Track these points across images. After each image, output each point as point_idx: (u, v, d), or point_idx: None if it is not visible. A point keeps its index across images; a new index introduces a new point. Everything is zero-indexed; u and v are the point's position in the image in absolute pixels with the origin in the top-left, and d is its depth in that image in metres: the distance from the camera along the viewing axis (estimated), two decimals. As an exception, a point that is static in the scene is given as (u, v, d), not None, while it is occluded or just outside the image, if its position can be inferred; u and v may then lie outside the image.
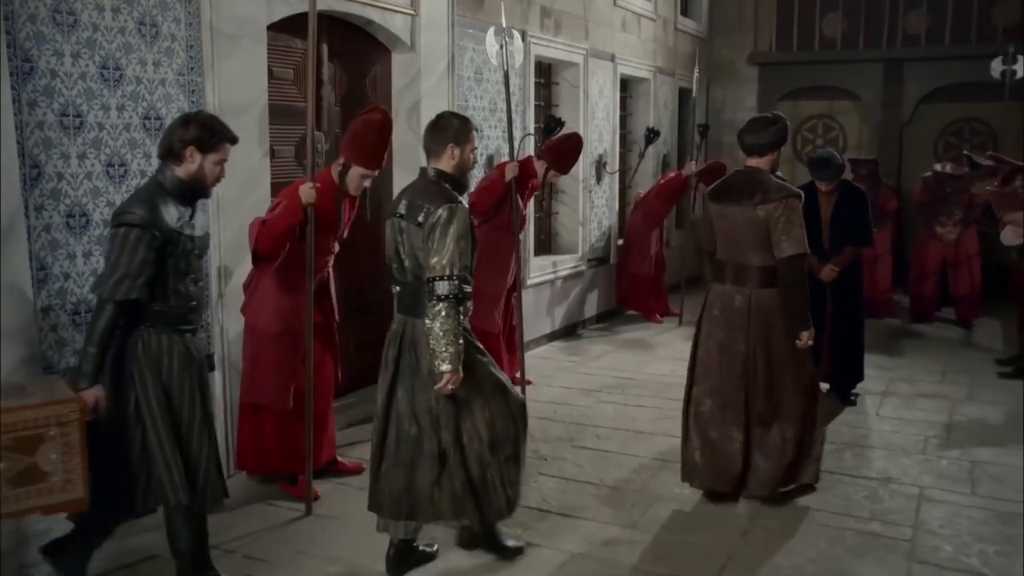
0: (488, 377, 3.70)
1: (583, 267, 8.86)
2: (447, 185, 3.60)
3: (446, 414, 3.60)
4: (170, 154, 3.33)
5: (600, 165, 9.09)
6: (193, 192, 3.39)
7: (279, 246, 4.20)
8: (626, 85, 10.00)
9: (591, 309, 9.14)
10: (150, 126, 4.25)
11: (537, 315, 8.02)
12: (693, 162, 9.36)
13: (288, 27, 5.10)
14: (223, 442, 4.33)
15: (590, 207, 8.97)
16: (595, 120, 8.89)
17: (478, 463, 3.65)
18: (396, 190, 6.32)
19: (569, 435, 5.58)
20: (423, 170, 3.72)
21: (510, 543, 3.95)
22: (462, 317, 3.53)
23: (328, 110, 5.70)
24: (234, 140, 3.46)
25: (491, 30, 6.09)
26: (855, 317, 6.25)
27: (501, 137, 7.12)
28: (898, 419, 5.94)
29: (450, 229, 3.43)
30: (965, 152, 9.00)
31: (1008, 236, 6.24)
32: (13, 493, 2.88)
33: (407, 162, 6.30)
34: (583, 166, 8.39)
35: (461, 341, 3.48)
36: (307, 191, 4.13)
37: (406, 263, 3.61)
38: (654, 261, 9.36)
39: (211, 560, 3.59)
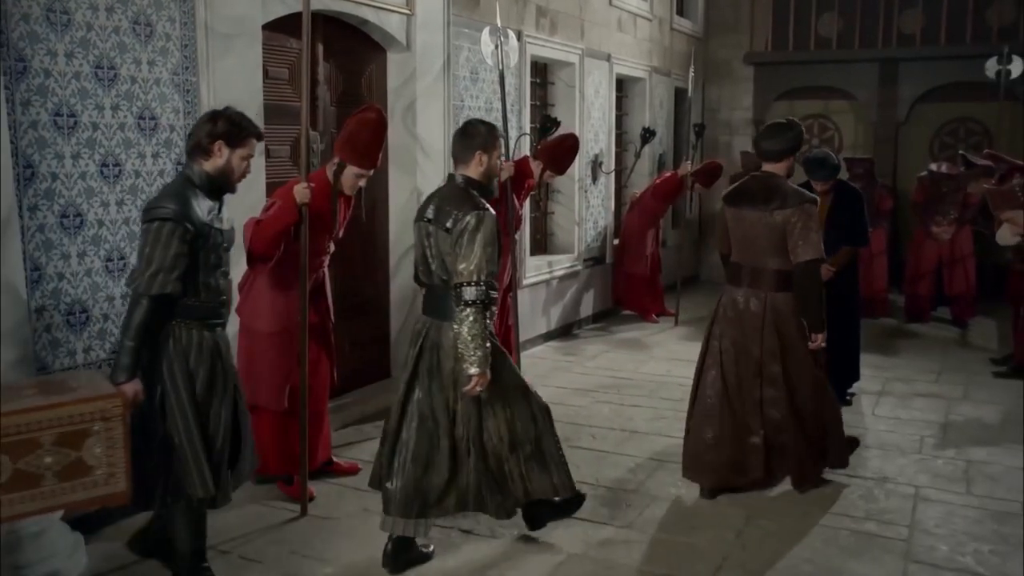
0: (511, 379, 3.81)
1: (579, 267, 8.86)
2: (474, 192, 3.69)
3: (466, 414, 3.70)
4: (198, 149, 3.38)
5: (596, 165, 9.09)
6: (220, 187, 3.45)
7: (274, 246, 4.19)
8: (622, 85, 10.00)
9: (587, 309, 9.14)
10: (144, 126, 4.24)
11: (533, 315, 8.02)
12: (689, 162, 9.37)
13: (283, 27, 5.09)
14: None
15: (586, 207, 8.97)
16: (591, 120, 8.88)
17: (495, 458, 3.77)
18: (392, 190, 6.35)
19: (565, 435, 5.52)
20: (451, 176, 3.82)
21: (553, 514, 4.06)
22: (488, 321, 3.61)
23: (323, 110, 5.70)
24: (260, 136, 3.54)
25: (486, 30, 6.08)
26: (851, 317, 6.24)
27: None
28: (894, 419, 5.95)
29: (477, 236, 3.52)
30: (961, 152, 9.02)
31: (1004, 235, 6.24)
32: (59, 487, 2.94)
33: (402, 162, 6.30)
34: (579, 166, 8.39)
35: (488, 344, 3.58)
36: (302, 191, 4.12)
37: (433, 266, 3.69)
38: (650, 261, 9.36)
39: (207, 560, 3.59)
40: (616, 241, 9.61)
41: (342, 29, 5.82)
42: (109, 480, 3.02)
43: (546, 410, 3.92)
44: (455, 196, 3.67)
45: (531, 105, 7.93)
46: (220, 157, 3.39)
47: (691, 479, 4.65)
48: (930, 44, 10.97)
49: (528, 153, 6.99)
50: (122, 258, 4.18)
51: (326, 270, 4.65)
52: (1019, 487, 4.71)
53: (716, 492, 4.58)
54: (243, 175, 3.53)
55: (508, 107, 6.44)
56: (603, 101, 9.16)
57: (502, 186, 5.92)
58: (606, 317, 9.46)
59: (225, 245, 3.48)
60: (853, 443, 5.11)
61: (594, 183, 9.09)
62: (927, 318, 9.19)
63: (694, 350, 7.86)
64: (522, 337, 6.79)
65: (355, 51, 6.00)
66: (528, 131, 7.64)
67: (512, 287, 6.16)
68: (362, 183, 4.50)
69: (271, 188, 4.81)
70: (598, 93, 9.03)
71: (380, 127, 4.41)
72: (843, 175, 6.60)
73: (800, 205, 4.35)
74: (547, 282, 8.28)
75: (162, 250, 3.18)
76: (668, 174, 9.63)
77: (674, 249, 10.43)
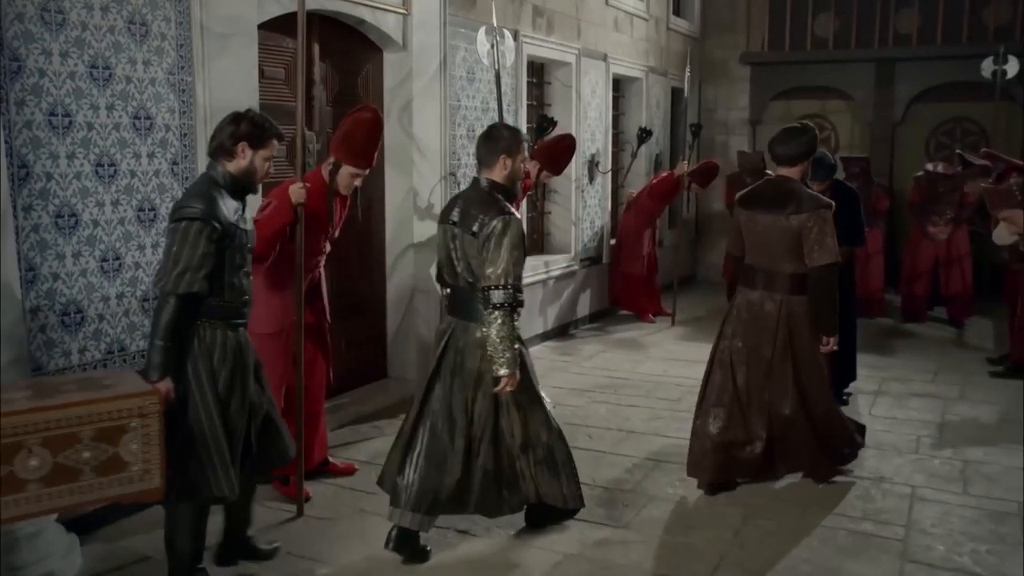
0: (531, 385, 3.91)
1: (576, 267, 8.85)
2: (499, 195, 3.76)
3: (484, 413, 3.79)
4: (221, 150, 3.43)
5: (593, 165, 9.09)
6: (244, 187, 3.49)
7: (270, 246, 4.18)
8: (618, 85, 10.00)
9: (583, 309, 9.14)
10: (140, 126, 4.22)
11: (529, 315, 8.01)
12: (685, 162, 9.36)
13: (279, 26, 5.08)
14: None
15: (583, 207, 8.97)
16: (587, 120, 8.88)
17: (508, 455, 3.87)
18: (388, 189, 6.34)
19: (562, 435, 5.56)
20: (475, 180, 3.89)
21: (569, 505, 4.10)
22: (516, 323, 3.70)
23: (319, 110, 5.69)
24: (281, 137, 3.59)
25: (482, 29, 6.07)
26: (847, 317, 6.23)
27: (493, 137, 7.09)
28: (890, 418, 5.95)
29: (504, 240, 3.60)
30: (958, 151, 9.03)
31: (1000, 235, 6.23)
32: (96, 482, 2.99)
33: (399, 162, 6.29)
34: (576, 166, 8.38)
35: (516, 346, 3.67)
36: (297, 191, 4.11)
37: (458, 268, 3.77)
38: (647, 261, 9.36)
39: (203, 562, 3.57)
40: (613, 241, 9.61)
41: (338, 29, 5.81)
42: (144, 476, 3.08)
43: (559, 432, 4.02)
44: (481, 200, 3.74)
45: (527, 105, 7.92)
46: (243, 158, 3.43)
47: (694, 476, 4.68)
48: (926, 44, 10.98)
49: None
50: (117, 258, 4.17)
51: (322, 270, 4.64)
52: (1016, 487, 4.72)
53: (717, 488, 4.62)
54: (265, 175, 3.59)
55: (504, 107, 6.44)
56: (600, 101, 9.15)
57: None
58: (603, 317, 9.45)
59: (249, 245, 3.52)
60: (861, 428, 5.17)
61: (591, 183, 9.09)
62: (923, 318, 9.19)
63: (691, 350, 7.96)
64: (519, 337, 6.78)
65: (351, 51, 5.99)
66: (525, 131, 7.64)
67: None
68: (358, 183, 4.49)
69: (267, 188, 4.78)
70: (595, 93, 9.02)
71: (376, 127, 4.41)
72: (840, 175, 6.60)
73: (816, 210, 4.44)
74: (544, 282, 8.27)
75: (190, 249, 3.22)
76: (664, 174, 9.63)
77: (671, 249, 10.43)
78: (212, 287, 3.31)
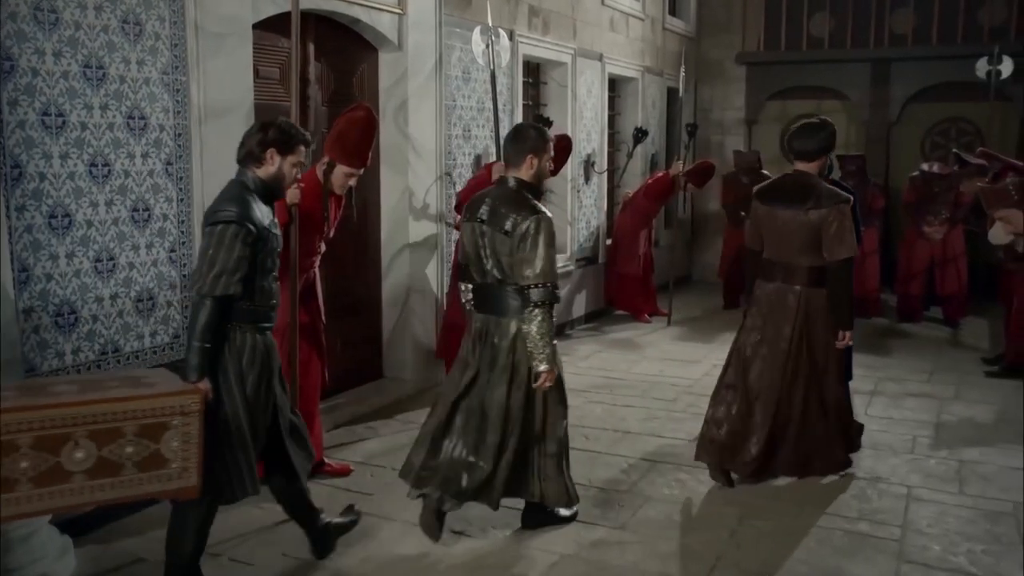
0: (559, 386, 3.99)
1: (571, 267, 8.84)
2: (528, 194, 3.84)
3: (517, 407, 3.89)
4: (250, 157, 3.48)
5: (588, 165, 9.08)
6: (272, 193, 3.54)
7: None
8: (614, 84, 9.99)
9: (579, 309, 9.13)
10: (134, 125, 4.21)
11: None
12: (681, 162, 9.35)
13: (274, 26, 5.06)
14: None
15: (578, 207, 8.96)
16: (583, 120, 8.88)
17: (529, 447, 3.98)
18: (383, 189, 6.33)
19: (558, 435, 5.55)
20: (503, 179, 3.95)
21: (563, 512, 4.22)
22: (553, 319, 3.81)
23: (315, 109, 5.68)
24: (308, 143, 3.63)
25: (477, 29, 6.06)
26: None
27: (489, 137, 7.10)
28: (886, 418, 5.95)
29: (540, 239, 3.70)
30: (954, 150, 9.04)
31: (996, 234, 6.24)
32: (137, 477, 3.04)
33: (394, 161, 6.28)
34: (571, 166, 8.37)
35: (555, 342, 3.80)
36: (292, 191, 4.09)
37: (487, 265, 3.85)
38: (642, 261, 9.35)
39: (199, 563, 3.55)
40: (608, 241, 9.60)
41: (333, 28, 5.80)
42: (182, 474, 3.11)
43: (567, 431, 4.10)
44: (510, 198, 3.81)
45: (523, 105, 7.91)
46: (272, 164, 3.48)
47: (700, 460, 4.78)
48: (922, 44, 11.00)
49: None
50: (111, 259, 4.15)
51: (317, 270, 4.63)
52: (1012, 486, 4.72)
53: (717, 469, 4.70)
54: (293, 181, 3.65)
55: (500, 107, 6.43)
56: (595, 101, 9.15)
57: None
58: (598, 317, 9.45)
59: (279, 249, 3.56)
60: (859, 428, 5.22)
61: (586, 183, 9.08)
62: (919, 318, 9.19)
63: (687, 350, 7.96)
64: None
65: (346, 50, 5.98)
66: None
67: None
68: (352, 182, 4.49)
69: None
70: (590, 93, 9.02)
71: (370, 126, 4.40)
72: (836, 174, 6.60)
73: (836, 205, 4.51)
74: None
75: (226, 252, 3.25)
76: (660, 174, 9.62)
77: (667, 249, 10.42)
78: (244, 290, 3.35)
